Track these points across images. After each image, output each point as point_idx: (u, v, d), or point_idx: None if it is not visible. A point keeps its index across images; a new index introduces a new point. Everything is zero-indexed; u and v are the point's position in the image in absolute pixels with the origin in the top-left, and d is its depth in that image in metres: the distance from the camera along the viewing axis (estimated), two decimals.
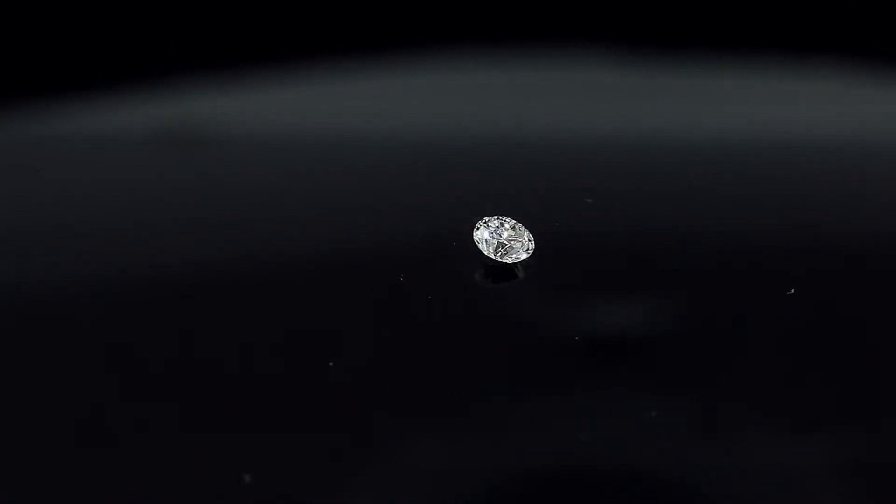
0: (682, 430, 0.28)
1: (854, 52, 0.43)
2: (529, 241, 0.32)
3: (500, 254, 0.32)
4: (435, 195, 0.37)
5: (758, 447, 0.28)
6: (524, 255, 0.32)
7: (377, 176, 0.37)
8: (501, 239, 0.32)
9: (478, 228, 0.32)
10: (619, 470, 0.28)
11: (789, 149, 0.39)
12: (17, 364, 0.30)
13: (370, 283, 0.32)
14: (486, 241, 0.32)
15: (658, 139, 0.39)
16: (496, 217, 0.32)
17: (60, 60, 0.43)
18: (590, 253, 0.33)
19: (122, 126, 0.40)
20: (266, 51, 0.43)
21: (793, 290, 0.31)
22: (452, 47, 0.44)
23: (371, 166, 0.38)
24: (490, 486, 0.27)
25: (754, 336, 0.31)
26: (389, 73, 0.43)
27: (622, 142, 0.39)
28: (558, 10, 0.45)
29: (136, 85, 0.42)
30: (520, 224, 0.32)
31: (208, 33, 0.44)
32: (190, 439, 0.28)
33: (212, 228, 0.35)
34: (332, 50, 0.43)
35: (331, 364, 0.30)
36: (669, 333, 0.31)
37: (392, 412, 0.29)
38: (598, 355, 0.30)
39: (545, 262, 0.33)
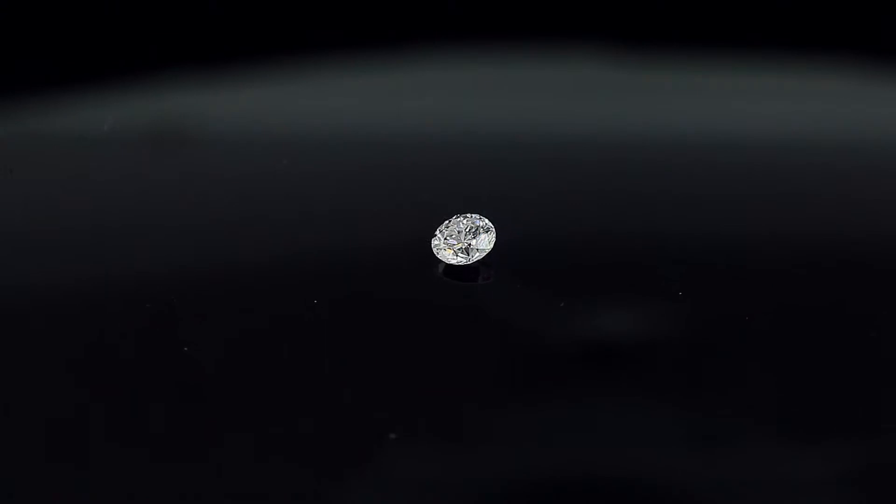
0: (677, 439, 0.28)
1: (854, 50, 0.43)
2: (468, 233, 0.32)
3: (469, 257, 0.32)
4: (428, 194, 0.36)
5: (757, 456, 0.28)
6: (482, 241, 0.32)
7: (370, 175, 0.37)
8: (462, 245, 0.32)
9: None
10: (616, 478, 0.28)
11: (789, 148, 0.39)
12: None
13: (363, 285, 0.32)
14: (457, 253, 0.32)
15: (656, 138, 0.39)
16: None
17: (43, 56, 0.42)
18: (588, 253, 0.33)
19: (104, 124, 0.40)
20: (252, 48, 0.43)
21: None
22: (447, 45, 0.44)
23: (363, 165, 0.38)
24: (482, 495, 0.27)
25: (754, 340, 0.30)
26: (384, 72, 0.43)
27: (620, 140, 0.39)
28: (554, 6, 0.45)
29: (120, 82, 0.41)
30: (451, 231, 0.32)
31: (195, 29, 0.44)
32: (180, 440, 0.28)
33: (195, 229, 0.35)
34: (325, 47, 0.43)
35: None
36: (670, 337, 0.31)
37: (386, 416, 0.29)
38: (599, 360, 0.30)
39: (542, 263, 0.32)
